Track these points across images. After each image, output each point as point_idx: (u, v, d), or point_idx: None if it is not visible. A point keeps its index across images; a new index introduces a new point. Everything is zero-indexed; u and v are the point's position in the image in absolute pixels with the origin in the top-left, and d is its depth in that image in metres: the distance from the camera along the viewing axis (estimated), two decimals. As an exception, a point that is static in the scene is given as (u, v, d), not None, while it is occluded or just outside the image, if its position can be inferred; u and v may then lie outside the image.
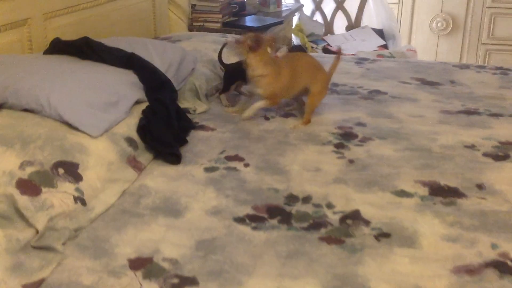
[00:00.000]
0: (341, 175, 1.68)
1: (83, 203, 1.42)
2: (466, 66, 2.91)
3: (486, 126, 2.07)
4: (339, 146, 1.89)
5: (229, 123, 2.07)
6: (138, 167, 1.66)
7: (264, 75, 2.01)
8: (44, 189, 1.36)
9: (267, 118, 2.13)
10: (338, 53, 2.23)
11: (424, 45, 5.23)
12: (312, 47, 4.66)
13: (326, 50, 4.68)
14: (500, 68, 2.91)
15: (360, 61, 3.03)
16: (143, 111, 1.80)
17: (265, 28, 3.58)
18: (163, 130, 1.78)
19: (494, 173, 1.70)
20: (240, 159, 1.78)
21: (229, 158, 1.78)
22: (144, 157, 1.72)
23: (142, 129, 1.74)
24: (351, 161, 1.77)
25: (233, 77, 2.25)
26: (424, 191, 1.59)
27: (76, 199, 1.41)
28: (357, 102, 2.33)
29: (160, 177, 1.65)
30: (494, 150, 1.85)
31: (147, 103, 1.86)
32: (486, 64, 4.92)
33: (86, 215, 1.41)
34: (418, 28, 5.08)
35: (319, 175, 1.68)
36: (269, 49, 2.02)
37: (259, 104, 2.08)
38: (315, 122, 2.09)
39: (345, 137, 1.95)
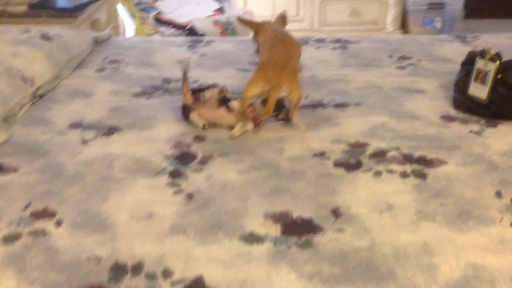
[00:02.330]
0: (179, 219, 1.39)
1: None
2: (305, 41, 2.73)
3: (333, 123, 1.88)
4: (174, 174, 1.59)
5: (37, 157, 1.66)
6: None
7: None
8: None
9: (85, 142, 1.76)
10: None
11: (261, 2, 5.08)
12: (142, 17, 4.22)
13: (158, 20, 4.27)
14: (339, 40, 2.77)
15: (194, 44, 2.71)
16: None
17: (81, 7, 3.10)
18: None
19: (348, 190, 1.51)
20: (51, 214, 1.40)
21: (36, 215, 1.40)
22: None
23: None
24: (190, 196, 1.49)
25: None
26: (276, 230, 1.36)
27: None
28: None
29: None
30: (345, 157, 1.68)
31: None
32: (324, 33, 4.89)
33: None
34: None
35: (152, 224, 1.38)
36: None
37: None
38: (146, 140, 1.77)
39: (182, 160, 1.65)
